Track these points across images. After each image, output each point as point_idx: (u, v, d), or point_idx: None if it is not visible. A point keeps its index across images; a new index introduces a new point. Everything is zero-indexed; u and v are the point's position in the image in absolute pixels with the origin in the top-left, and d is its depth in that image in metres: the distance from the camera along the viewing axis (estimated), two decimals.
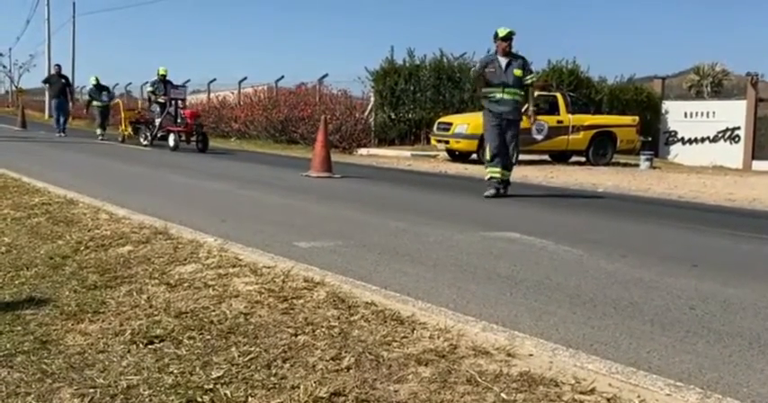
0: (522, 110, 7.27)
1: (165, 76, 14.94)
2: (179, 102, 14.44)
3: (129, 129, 15.88)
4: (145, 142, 14.79)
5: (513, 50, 7.14)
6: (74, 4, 38.68)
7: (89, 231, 4.07)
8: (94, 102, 17.44)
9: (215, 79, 23.82)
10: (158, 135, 14.47)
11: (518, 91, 7.10)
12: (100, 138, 16.63)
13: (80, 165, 10.10)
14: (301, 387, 1.90)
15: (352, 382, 1.92)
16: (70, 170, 8.82)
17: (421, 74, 17.24)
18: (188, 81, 24.92)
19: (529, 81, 7.21)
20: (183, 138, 13.63)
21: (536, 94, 7.67)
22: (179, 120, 13.96)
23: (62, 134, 17.46)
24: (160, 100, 14.60)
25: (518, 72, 7.08)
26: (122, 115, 16.49)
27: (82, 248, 3.67)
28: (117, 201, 5.29)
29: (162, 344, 2.26)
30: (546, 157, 14.13)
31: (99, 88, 17.44)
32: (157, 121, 14.52)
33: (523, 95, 7.17)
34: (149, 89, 15.36)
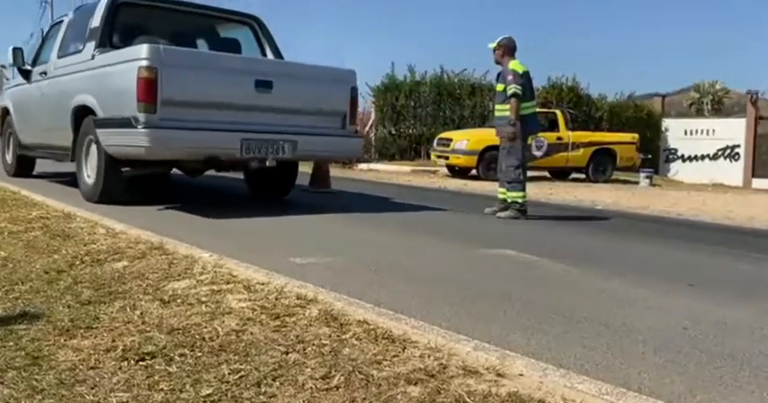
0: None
1: None
2: None
3: None
4: None
5: (519, 61, 6.80)
6: None
7: (85, 246, 4.09)
8: None
9: None
10: None
11: (501, 106, 6.81)
12: None
13: None
14: None
15: (340, 401, 1.92)
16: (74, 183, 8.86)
17: (421, 90, 17.40)
18: None
19: (510, 92, 6.62)
20: None
21: (536, 110, 7.27)
22: None
23: None
24: None
25: (500, 87, 6.86)
26: None
27: (77, 263, 3.68)
28: (114, 216, 5.32)
29: (153, 360, 2.27)
30: (546, 174, 14.18)
31: None
32: None
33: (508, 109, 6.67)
34: None
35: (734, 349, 2.67)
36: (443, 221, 6.96)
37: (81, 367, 2.22)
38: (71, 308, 2.87)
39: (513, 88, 6.62)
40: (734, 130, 18.13)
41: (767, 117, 18.83)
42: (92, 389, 2.04)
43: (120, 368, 2.21)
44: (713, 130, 18.63)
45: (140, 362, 2.24)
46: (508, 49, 6.88)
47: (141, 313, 2.77)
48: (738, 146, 17.98)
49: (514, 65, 6.73)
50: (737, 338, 2.84)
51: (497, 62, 6.92)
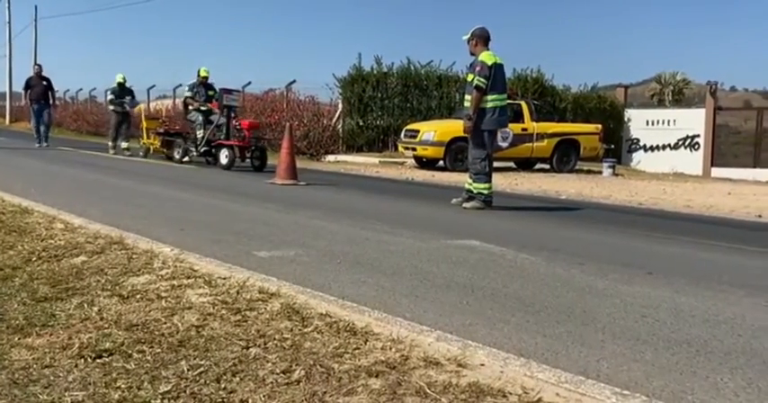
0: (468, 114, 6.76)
1: (206, 78, 12.50)
2: (232, 110, 11.65)
3: (157, 142, 13.32)
4: (185, 158, 12.29)
5: (492, 52, 6.78)
6: (36, 7, 37.96)
7: (42, 241, 3.99)
8: (111, 107, 14.82)
9: (180, 85, 23.53)
10: (202, 150, 11.86)
11: (468, 97, 6.80)
12: (111, 151, 14.16)
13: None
14: (250, 401, 1.88)
15: (301, 396, 1.91)
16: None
17: (388, 81, 17.35)
18: (153, 87, 24.81)
19: (473, 84, 6.66)
20: (238, 153, 11.18)
21: (505, 103, 7.06)
22: (233, 132, 11.39)
23: (43, 144, 15.11)
24: (202, 107, 12.06)
25: (469, 76, 6.84)
26: (143, 125, 13.98)
27: (34, 259, 3.59)
28: (74, 210, 5.20)
29: (111, 358, 2.22)
30: (511, 165, 14.30)
31: (123, 90, 14.75)
32: (199, 133, 11.90)
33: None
34: (187, 94, 12.53)
35: (690, 336, 2.73)
36: (410, 212, 6.97)
37: (35, 366, 2.17)
38: (26, 305, 2.81)
39: (476, 80, 6.63)
40: (694, 121, 18.52)
41: (726, 107, 19.29)
42: (46, 388, 2.00)
43: (76, 366, 2.16)
44: (674, 121, 19.00)
45: (97, 360, 2.20)
46: (482, 39, 6.86)
47: (99, 309, 2.72)
48: (698, 136, 18.38)
49: (485, 56, 6.72)
50: (693, 325, 2.90)
51: (472, 53, 6.92)
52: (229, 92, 11.85)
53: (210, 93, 12.42)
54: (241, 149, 11.23)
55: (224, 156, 11.20)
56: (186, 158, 12.30)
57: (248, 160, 11.24)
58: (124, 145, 14.45)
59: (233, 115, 11.66)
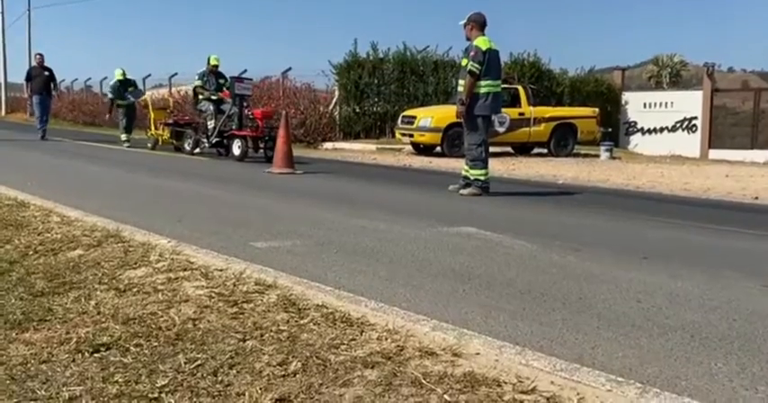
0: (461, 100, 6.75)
1: (216, 66, 12.00)
2: (244, 99, 11.23)
3: (166, 133, 12.87)
4: (196, 150, 11.86)
5: (488, 38, 6.75)
6: None
7: (39, 235, 3.99)
8: (118, 101, 14.43)
9: (176, 73, 23.43)
10: (213, 141, 11.46)
11: (462, 82, 6.78)
12: (125, 144, 13.83)
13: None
14: (246, 394, 1.90)
15: (297, 388, 1.93)
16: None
17: (385, 67, 17.25)
18: (149, 75, 24.62)
19: (467, 69, 6.66)
20: (251, 144, 10.80)
21: (500, 89, 6.96)
22: (246, 122, 10.99)
23: (41, 137, 14.63)
24: (213, 96, 11.61)
25: (464, 61, 6.82)
26: (151, 115, 13.50)
27: (30, 253, 3.59)
28: (71, 203, 5.20)
29: (108, 352, 2.24)
30: (508, 149, 14.28)
31: (124, 84, 14.40)
32: (210, 124, 11.49)
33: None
34: (197, 82, 11.98)
35: (684, 321, 2.75)
36: (407, 200, 6.97)
37: (33, 361, 2.18)
38: (23, 300, 2.81)
39: (470, 65, 6.62)
40: (691, 103, 18.45)
41: (723, 89, 19.22)
42: (44, 383, 2.01)
43: (73, 361, 2.17)
44: (671, 103, 18.92)
45: (95, 354, 2.21)
46: (477, 24, 6.83)
47: (96, 303, 2.73)
48: (696, 118, 18.31)
49: (480, 41, 6.69)
50: (688, 310, 2.92)
51: (468, 38, 6.89)
52: (241, 80, 11.48)
53: (221, 81, 11.98)
54: (254, 140, 10.87)
55: (236, 147, 10.89)
56: (197, 150, 11.88)
57: (261, 151, 10.83)
58: (123, 137, 14.23)
59: (245, 105, 11.28)
